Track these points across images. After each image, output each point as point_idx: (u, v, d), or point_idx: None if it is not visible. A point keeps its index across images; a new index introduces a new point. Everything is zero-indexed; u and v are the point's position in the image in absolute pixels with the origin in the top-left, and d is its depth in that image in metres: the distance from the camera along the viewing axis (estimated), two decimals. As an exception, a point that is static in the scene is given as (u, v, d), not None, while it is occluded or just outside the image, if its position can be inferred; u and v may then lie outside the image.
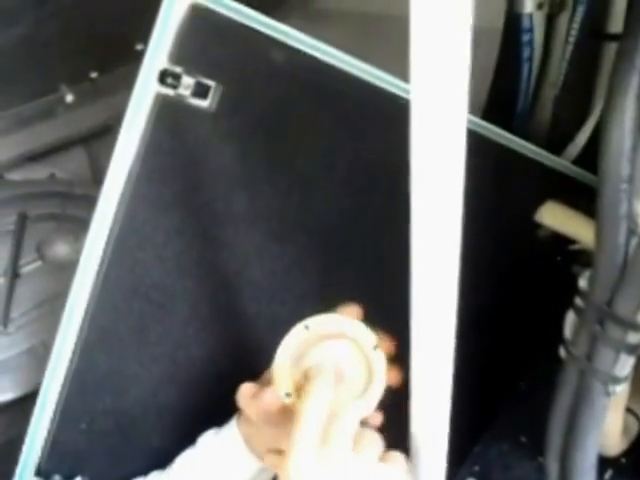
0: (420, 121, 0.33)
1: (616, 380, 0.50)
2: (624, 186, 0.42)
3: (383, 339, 0.51)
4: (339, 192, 0.68)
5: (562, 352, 0.55)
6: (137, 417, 0.67)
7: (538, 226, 0.68)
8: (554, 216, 0.67)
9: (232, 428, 0.62)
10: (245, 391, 0.57)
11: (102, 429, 0.66)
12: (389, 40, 1.04)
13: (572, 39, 0.81)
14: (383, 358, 0.50)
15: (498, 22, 0.87)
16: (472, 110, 0.69)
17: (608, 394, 0.50)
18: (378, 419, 0.53)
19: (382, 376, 0.50)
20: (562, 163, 0.78)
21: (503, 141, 0.72)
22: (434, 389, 0.46)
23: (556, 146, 0.85)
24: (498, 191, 0.70)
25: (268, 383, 0.54)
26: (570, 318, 0.54)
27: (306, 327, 0.51)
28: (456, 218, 0.37)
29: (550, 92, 0.87)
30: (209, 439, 0.63)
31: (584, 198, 0.71)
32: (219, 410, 0.64)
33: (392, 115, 0.66)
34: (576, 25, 0.80)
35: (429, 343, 0.43)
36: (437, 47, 0.31)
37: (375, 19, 1.10)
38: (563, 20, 0.85)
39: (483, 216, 0.73)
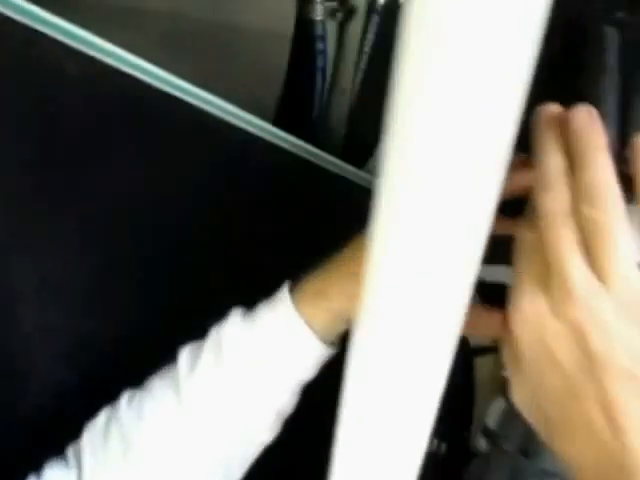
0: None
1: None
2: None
3: None
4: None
5: (483, 444, 0.51)
6: None
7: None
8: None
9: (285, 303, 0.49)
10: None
11: None
12: (148, 34, 0.96)
13: (367, 49, 0.79)
14: None
15: (289, 27, 0.82)
16: (264, 118, 0.64)
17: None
18: None
19: None
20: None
21: (295, 150, 0.67)
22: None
23: (352, 158, 0.83)
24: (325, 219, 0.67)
25: None
26: (498, 407, 0.50)
27: None
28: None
29: (345, 103, 0.85)
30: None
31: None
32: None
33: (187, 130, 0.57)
34: (371, 35, 0.78)
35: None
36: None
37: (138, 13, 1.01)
38: (354, 29, 0.82)
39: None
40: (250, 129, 0.62)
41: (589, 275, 0.32)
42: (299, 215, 0.69)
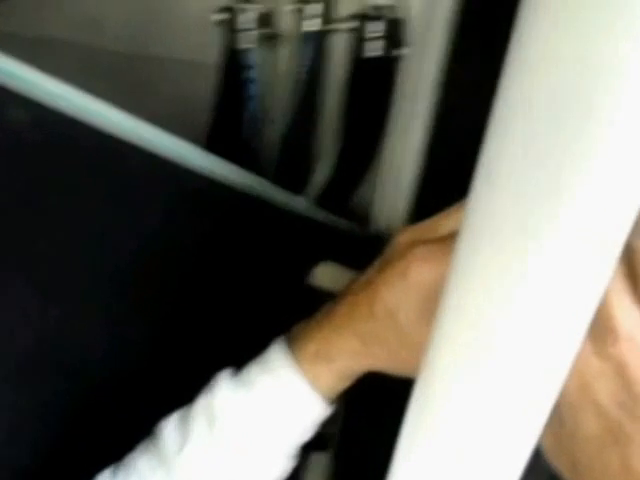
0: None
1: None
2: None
3: None
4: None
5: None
6: None
7: (315, 291, 0.62)
8: (331, 279, 0.61)
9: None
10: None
11: None
12: (70, 67, 0.92)
13: (297, 76, 0.78)
14: None
15: (214, 56, 0.80)
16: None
17: None
18: None
19: None
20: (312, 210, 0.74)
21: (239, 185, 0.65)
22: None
23: (285, 185, 0.82)
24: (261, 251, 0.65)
25: None
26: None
27: None
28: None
29: (276, 131, 0.83)
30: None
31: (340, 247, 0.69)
32: None
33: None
34: (301, 62, 0.77)
35: None
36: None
37: (55, 45, 0.97)
38: (283, 57, 0.81)
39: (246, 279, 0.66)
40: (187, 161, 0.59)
41: (636, 310, 0.29)
42: (233, 244, 0.67)
